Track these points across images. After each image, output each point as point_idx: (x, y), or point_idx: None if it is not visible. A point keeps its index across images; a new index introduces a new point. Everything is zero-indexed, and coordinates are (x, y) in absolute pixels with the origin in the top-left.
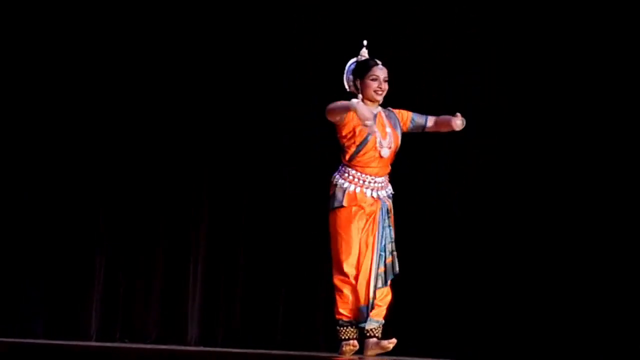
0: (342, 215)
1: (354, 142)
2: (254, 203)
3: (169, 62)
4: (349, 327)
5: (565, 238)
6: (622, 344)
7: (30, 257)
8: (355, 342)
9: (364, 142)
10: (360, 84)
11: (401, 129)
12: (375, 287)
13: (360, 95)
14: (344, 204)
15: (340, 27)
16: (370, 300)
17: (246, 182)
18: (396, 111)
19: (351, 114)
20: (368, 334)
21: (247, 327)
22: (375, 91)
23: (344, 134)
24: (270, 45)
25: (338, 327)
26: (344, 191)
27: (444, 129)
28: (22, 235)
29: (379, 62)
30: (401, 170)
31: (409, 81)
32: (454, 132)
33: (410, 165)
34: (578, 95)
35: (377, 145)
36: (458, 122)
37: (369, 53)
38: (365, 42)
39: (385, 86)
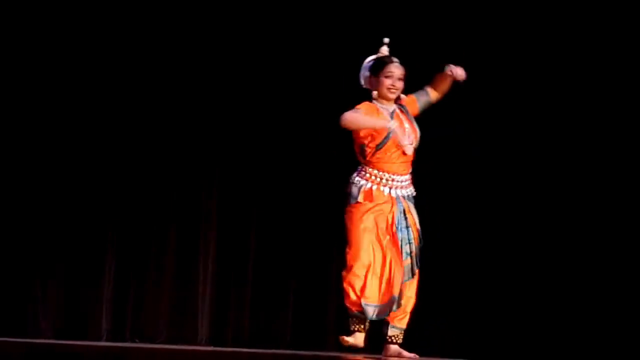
0: (356, 211)
1: (374, 143)
2: (263, 204)
3: (177, 65)
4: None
5: (567, 237)
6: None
7: (40, 258)
8: (360, 336)
9: (384, 141)
10: (375, 81)
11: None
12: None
13: (375, 93)
14: (359, 199)
15: (341, 27)
16: (389, 302)
17: (255, 184)
18: (404, 101)
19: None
20: (389, 340)
21: (256, 327)
22: (388, 88)
23: (362, 135)
24: (271, 47)
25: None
26: (360, 188)
27: (446, 87)
28: (32, 237)
29: (395, 59)
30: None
31: (406, 81)
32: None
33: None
34: (577, 95)
35: (400, 142)
36: (459, 72)
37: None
38: (386, 40)
39: (400, 84)
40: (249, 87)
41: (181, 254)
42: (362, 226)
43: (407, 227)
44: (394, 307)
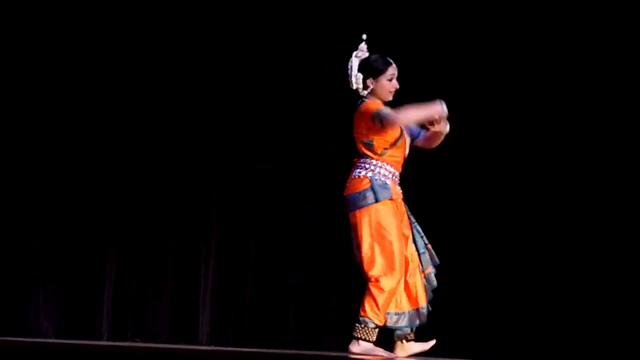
0: (385, 209)
1: (393, 137)
2: (263, 204)
3: (178, 67)
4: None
5: (568, 237)
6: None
7: (41, 258)
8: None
9: (400, 137)
10: (373, 83)
11: None
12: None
13: (365, 92)
14: (393, 196)
15: (339, 26)
16: (423, 304)
17: (255, 185)
18: None
19: None
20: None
21: (257, 327)
22: (390, 92)
23: (370, 131)
24: (272, 50)
25: (361, 326)
26: (384, 184)
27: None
28: (33, 237)
29: (391, 60)
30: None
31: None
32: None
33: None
34: (574, 94)
35: (406, 139)
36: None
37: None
38: (364, 36)
39: (397, 85)
40: (250, 89)
41: (182, 254)
42: (395, 226)
43: (415, 220)
44: (424, 319)
